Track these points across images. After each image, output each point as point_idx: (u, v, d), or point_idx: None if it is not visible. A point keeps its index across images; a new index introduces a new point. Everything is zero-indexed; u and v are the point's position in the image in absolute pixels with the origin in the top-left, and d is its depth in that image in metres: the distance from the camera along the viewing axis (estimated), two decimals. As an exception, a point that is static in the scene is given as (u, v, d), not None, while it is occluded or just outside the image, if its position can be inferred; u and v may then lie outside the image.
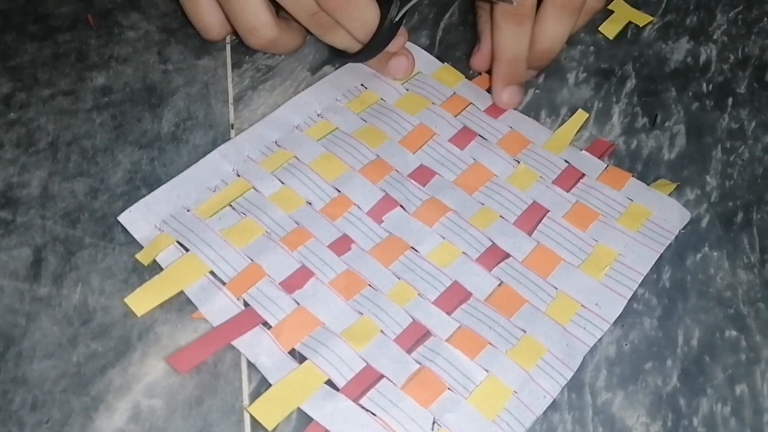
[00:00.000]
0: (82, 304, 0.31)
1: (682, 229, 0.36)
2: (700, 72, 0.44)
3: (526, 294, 0.33)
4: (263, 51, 0.40)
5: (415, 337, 0.31)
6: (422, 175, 0.37)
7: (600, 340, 0.32)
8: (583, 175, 0.37)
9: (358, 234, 0.34)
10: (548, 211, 0.36)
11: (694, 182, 0.38)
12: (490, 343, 0.31)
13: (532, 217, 0.36)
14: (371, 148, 0.37)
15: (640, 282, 0.33)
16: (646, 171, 0.38)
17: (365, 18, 0.36)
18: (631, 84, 0.43)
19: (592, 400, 0.31)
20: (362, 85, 0.40)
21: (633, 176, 0.37)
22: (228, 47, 0.42)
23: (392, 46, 0.38)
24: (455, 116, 0.39)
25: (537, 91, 0.41)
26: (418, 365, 0.30)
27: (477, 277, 0.33)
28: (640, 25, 0.46)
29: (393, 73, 0.40)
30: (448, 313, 0.32)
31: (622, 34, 0.45)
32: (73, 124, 0.37)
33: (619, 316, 0.33)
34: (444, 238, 0.34)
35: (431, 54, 0.43)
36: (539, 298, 0.33)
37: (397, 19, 0.36)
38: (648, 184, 0.37)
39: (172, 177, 0.35)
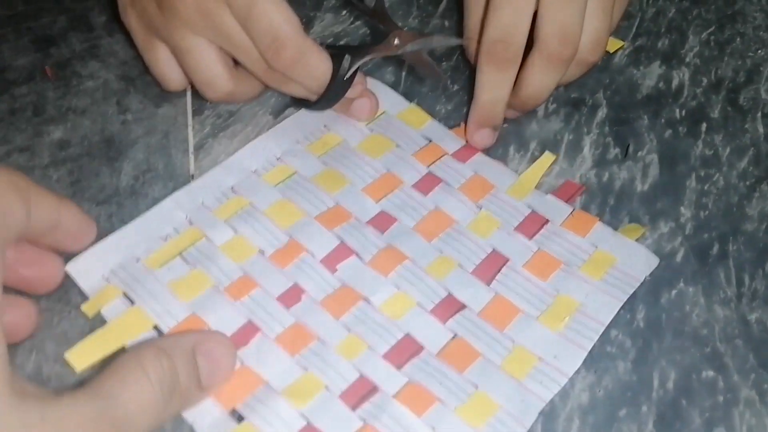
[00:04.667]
0: (36, 373, 0.30)
1: (655, 269, 0.35)
2: (672, 97, 0.43)
3: (481, 347, 0.32)
4: (222, 103, 0.40)
5: (361, 392, 0.30)
6: (382, 221, 0.36)
7: (572, 386, 0.31)
8: (547, 221, 0.36)
9: (310, 283, 0.33)
10: (508, 260, 0.35)
11: (668, 215, 0.37)
12: (439, 399, 0.30)
13: (491, 265, 0.35)
14: (330, 194, 0.36)
15: (601, 333, 0.32)
16: (619, 204, 0.37)
17: (316, 74, 0.35)
18: (602, 113, 0.42)
19: (564, 454, 0.30)
20: (325, 126, 0.39)
21: (599, 221, 0.36)
22: (189, 93, 0.41)
23: (351, 93, 0.37)
24: (427, 166, 0.38)
25: (505, 125, 0.40)
26: (362, 423, 0.29)
27: (430, 330, 0.32)
28: (611, 51, 0.45)
29: (356, 116, 0.39)
30: (398, 368, 0.31)
31: (592, 61, 0.45)
32: (28, 182, 0.36)
33: (592, 360, 0.32)
34: (398, 288, 0.33)
35: (396, 91, 0.42)
36: (495, 351, 0.32)
37: (348, 75, 0.35)
38: (620, 220, 0.37)
39: (129, 232, 0.34)
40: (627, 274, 0.34)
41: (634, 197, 0.38)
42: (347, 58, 0.35)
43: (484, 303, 0.33)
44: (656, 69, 0.44)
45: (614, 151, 0.40)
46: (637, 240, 0.36)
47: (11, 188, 0.27)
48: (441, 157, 0.39)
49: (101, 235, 0.34)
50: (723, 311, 0.34)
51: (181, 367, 0.27)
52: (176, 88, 0.39)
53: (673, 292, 0.34)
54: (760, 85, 0.44)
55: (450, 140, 0.40)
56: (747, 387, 0.32)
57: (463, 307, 0.33)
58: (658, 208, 0.37)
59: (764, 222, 0.37)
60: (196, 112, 0.40)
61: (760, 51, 0.46)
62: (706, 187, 0.39)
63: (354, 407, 0.30)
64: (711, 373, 0.32)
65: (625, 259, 0.35)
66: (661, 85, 0.44)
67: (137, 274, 0.33)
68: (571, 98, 0.42)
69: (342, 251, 0.34)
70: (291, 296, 0.33)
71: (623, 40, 0.46)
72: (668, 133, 0.41)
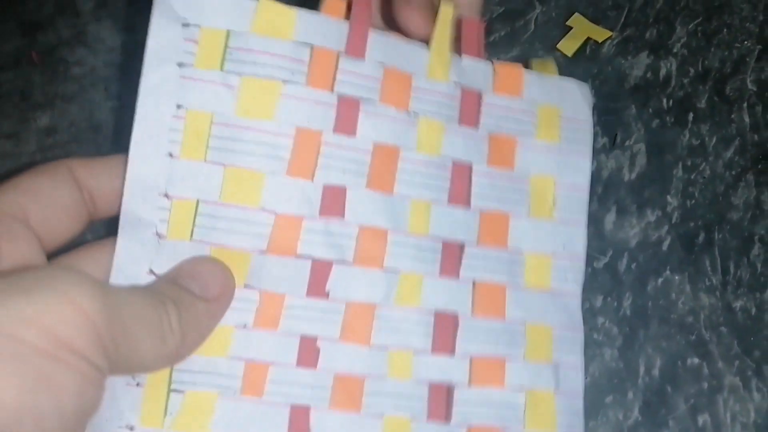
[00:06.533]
0: None
1: (642, 257, 0.35)
2: (660, 87, 0.43)
3: (501, 278, 0.30)
4: None
5: (441, 401, 0.29)
6: (331, 202, 0.29)
7: (560, 373, 0.31)
8: (480, 94, 0.32)
9: (314, 326, 0.29)
10: (471, 166, 0.31)
11: (655, 203, 0.38)
12: (507, 359, 0.29)
13: (461, 183, 0.31)
14: (251, 206, 0.28)
15: (587, 199, 0.32)
16: (606, 193, 0.38)
17: None
18: (590, 103, 0.42)
19: (551, 440, 0.30)
20: (178, 107, 0.29)
21: (523, 69, 0.33)
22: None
23: None
24: (331, 90, 0.29)
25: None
26: (466, 428, 0.29)
27: (451, 293, 0.30)
28: (599, 41, 0.45)
29: None
30: (452, 353, 0.29)
31: (580, 51, 0.45)
32: (15, 169, 0.36)
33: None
34: (398, 272, 0.30)
35: None
36: (514, 272, 0.31)
37: None
38: (608, 208, 0.37)
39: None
40: (577, 120, 0.33)
41: (622, 186, 0.38)
42: None
43: (476, 229, 0.31)
44: (644, 59, 0.45)
45: (602, 141, 0.40)
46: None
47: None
48: (337, 65, 0.29)
49: (93, 226, 0.34)
50: (708, 299, 0.34)
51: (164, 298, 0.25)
52: None
53: (660, 280, 0.35)
54: (747, 75, 0.44)
55: (332, 31, 0.29)
56: (731, 374, 0.32)
57: (462, 247, 0.30)
58: (645, 196, 0.38)
59: (749, 211, 0.38)
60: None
61: (746, 42, 0.46)
62: (692, 177, 0.39)
63: (446, 417, 0.29)
64: (696, 360, 0.32)
65: (566, 104, 0.33)
66: (648, 75, 0.44)
67: None
68: (560, 88, 0.42)
69: (319, 270, 0.29)
70: (308, 354, 0.28)
71: (612, 30, 0.46)
72: (656, 122, 0.41)
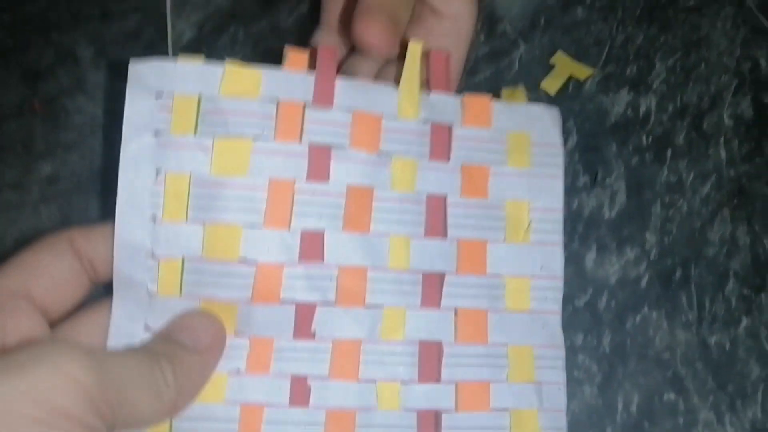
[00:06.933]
0: None
1: (621, 294, 0.37)
2: (640, 124, 0.45)
3: (482, 304, 0.32)
4: None
5: (430, 427, 0.31)
6: (310, 247, 0.30)
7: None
8: (450, 127, 0.33)
9: (302, 366, 0.30)
10: (446, 197, 0.32)
11: (634, 240, 0.39)
12: (491, 381, 0.31)
13: (436, 216, 0.32)
14: (232, 260, 0.30)
15: (562, 220, 0.33)
16: (587, 232, 0.39)
17: None
18: (572, 141, 0.43)
19: (532, 477, 0.31)
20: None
21: (491, 99, 0.34)
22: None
23: None
24: (299, 140, 0.31)
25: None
26: None
27: (434, 322, 0.31)
28: (581, 79, 0.47)
29: None
30: (438, 381, 0.31)
31: (563, 88, 0.46)
32: (19, 219, 0.38)
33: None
34: (381, 307, 0.31)
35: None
36: (494, 297, 0.32)
37: None
38: (588, 246, 0.38)
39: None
40: (547, 144, 0.34)
41: (602, 224, 0.40)
42: None
43: (454, 258, 0.32)
44: (625, 96, 0.46)
45: (584, 179, 0.42)
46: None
47: None
48: (304, 116, 0.31)
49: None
50: (684, 335, 0.36)
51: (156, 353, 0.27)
52: None
53: (638, 317, 0.36)
54: (723, 110, 0.46)
55: (297, 85, 0.31)
56: (705, 409, 0.34)
57: (442, 277, 0.32)
58: (624, 234, 0.39)
59: (724, 246, 0.39)
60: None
61: (723, 76, 0.48)
62: (670, 213, 0.40)
63: None
64: (672, 395, 0.34)
65: (535, 129, 0.34)
66: (629, 112, 0.45)
67: None
68: (543, 126, 0.44)
69: (304, 313, 0.30)
70: (300, 394, 0.30)
71: (593, 67, 0.48)
72: (635, 160, 0.43)
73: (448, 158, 0.33)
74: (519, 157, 0.33)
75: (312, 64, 0.31)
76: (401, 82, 0.32)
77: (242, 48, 0.46)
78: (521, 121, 0.34)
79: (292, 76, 0.31)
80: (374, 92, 0.32)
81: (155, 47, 0.46)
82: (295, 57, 0.31)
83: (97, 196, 0.39)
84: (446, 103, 0.33)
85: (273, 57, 0.32)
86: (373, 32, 0.30)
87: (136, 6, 0.49)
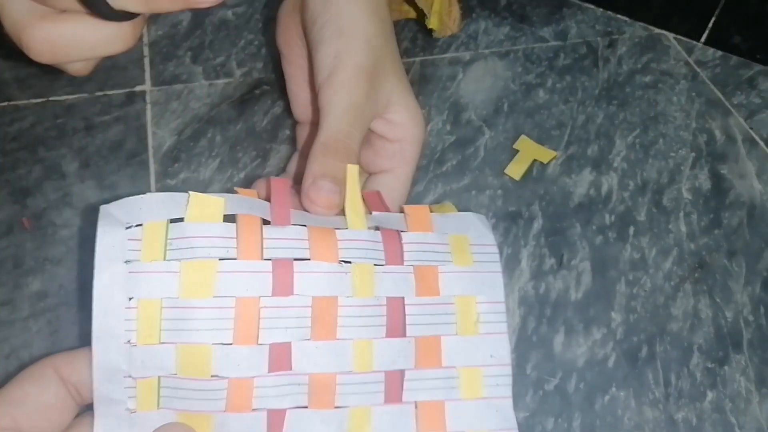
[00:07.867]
0: None
1: (590, 375, 0.38)
2: (602, 203, 0.47)
3: (440, 395, 0.34)
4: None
5: None
6: (278, 357, 0.33)
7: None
8: (398, 232, 0.35)
9: None
10: (403, 299, 0.34)
11: (600, 321, 0.41)
12: None
13: (396, 317, 0.34)
14: (203, 378, 0.32)
15: (506, 311, 0.35)
16: (555, 314, 0.41)
17: None
18: (538, 225, 0.45)
19: None
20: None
21: (427, 208, 0.36)
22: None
23: None
24: (262, 259, 0.33)
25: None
26: None
27: (396, 418, 0.33)
28: (545, 162, 0.49)
29: None
30: None
31: (527, 172, 0.48)
32: (11, 335, 0.39)
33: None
34: (349, 408, 0.33)
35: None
36: (451, 388, 0.34)
37: None
38: (556, 329, 0.40)
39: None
40: (484, 245, 0.36)
41: (569, 306, 0.41)
42: None
43: (413, 354, 0.34)
44: (587, 176, 0.48)
45: (550, 262, 0.43)
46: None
47: None
48: (264, 239, 0.33)
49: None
50: (652, 412, 0.37)
51: None
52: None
53: (606, 397, 0.38)
54: (682, 184, 0.48)
55: (256, 207, 0.34)
56: (675, 487, 0.35)
57: (402, 374, 0.34)
58: (591, 314, 0.41)
59: (688, 321, 0.41)
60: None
61: (681, 150, 0.50)
62: (634, 291, 0.42)
63: None
64: (642, 476, 0.35)
65: (471, 232, 0.36)
66: (591, 191, 0.47)
67: None
68: (509, 211, 0.46)
69: (275, 418, 0.32)
70: None
71: (556, 150, 0.50)
72: (599, 239, 0.45)
73: (402, 262, 0.35)
74: (462, 257, 0.36)
75: (269, 194, 0.35)
76: (346, 201, 0.35)
77: (220, 151, 0.49)
78: (458, 226, 0.37)
79: (251, 200, 0.33)
80: (323, 216, 0.35)
81: (137, 155, 0.49)
82: (244, 193, 0.34)
83: (85, 308, 0.41)
84: (389, 217, 0.36)
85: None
86: (320, 203, 0.35)
87: (118, 116, 0.51)
